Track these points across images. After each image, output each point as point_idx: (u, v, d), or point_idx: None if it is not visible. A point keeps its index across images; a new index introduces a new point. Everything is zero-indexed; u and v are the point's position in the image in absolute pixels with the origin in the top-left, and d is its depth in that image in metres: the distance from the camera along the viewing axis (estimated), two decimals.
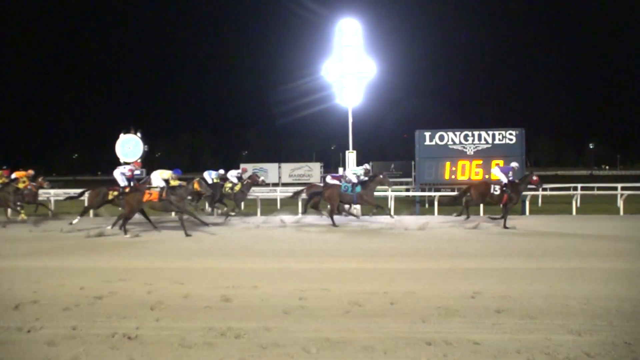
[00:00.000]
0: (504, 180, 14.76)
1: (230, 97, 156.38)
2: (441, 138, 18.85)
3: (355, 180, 15.43)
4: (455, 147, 18.74)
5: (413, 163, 19.32)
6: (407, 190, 24.00)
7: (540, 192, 20.69)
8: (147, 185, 15.14)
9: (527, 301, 6.08)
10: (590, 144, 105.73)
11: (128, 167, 15.51)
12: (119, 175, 15.18)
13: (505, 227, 13.74)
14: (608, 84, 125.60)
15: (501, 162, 18.19)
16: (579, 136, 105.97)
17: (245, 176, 18.12)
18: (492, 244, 10.88)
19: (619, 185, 19.96)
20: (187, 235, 12.56)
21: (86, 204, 15.94)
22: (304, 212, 16.92)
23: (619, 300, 6.08)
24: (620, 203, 18.32)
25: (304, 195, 17.31)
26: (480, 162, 18.40)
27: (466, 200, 15.10)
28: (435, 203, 18.09)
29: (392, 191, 19.76)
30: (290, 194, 18.46)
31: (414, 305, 5.98)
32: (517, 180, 14.89)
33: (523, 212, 17.99)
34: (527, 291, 6.56)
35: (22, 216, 15.57)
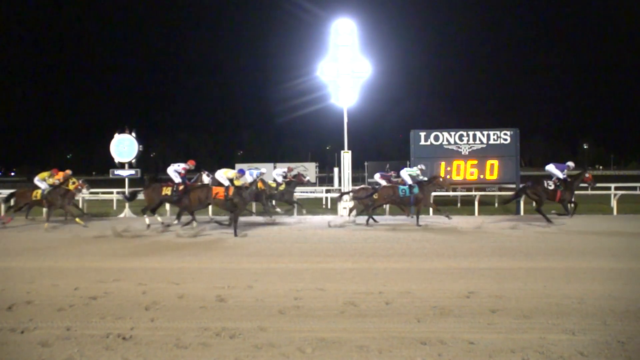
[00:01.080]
0: (560, 176, 14.84)
1: (226, 98, 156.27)
2: (436, 138, 18.86)
3: (410, 181, 15.27)
4: (450, 147, 18.75)
5: (408, 163, 19.28)
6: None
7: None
8: (199, 183, 15.16)
9: (522, 301, 6.10)
10: (584, 144, 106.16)
11: (182, 165, 15.39)
12: (173, 172, 15.11)
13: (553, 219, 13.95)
14: (602, 84, 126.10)
15: (496, 162, 18.27)
16: (573, 136, 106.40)
17: (289, 175, 18.05)
18: (487, 244, 10.89)
19: (613, 185, 20.05)
20: (235, 235, 12.59)
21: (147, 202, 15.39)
22: (369, 218, 15.67)
23: (612, 300, 6.11)
24: (613, 203, 18.39)
25: (347, 197, 17.13)
26: (475, 162, 18.42)
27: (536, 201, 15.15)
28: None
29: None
30: (337, 195, 17.98)
31: (409, 305, 5.99)
32: (569, 179, 15.09)
33: (517, 212, 18.02)
34: (522, 291, 6.59)
35: (77, 219, 15.26)
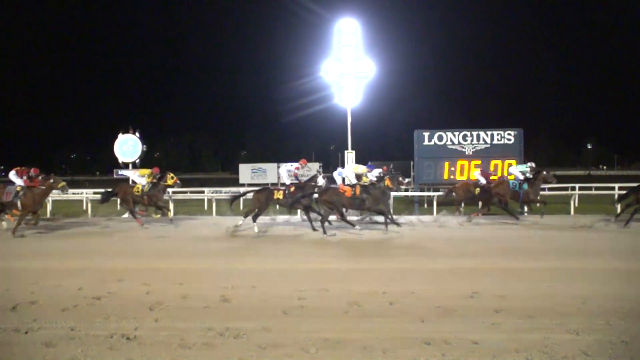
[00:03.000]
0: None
1: (230, 98, 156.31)
2: (440, 138, 18.85)
3: (521, 177, 15.37)
4: (453, 147, 18.74)
5: (412, 163, 19.30)
6: (406, 190, 23.99)
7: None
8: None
9: (526, 301, 6.08)
10: (588, 144, 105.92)
11: (295, 164, 15.29)
12: (285, 173, 15.07)
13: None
14: (606, 84, 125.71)
15: (499, 163, 18.24)
16: (577, 136, 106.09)
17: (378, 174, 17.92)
18: (490, 244, 10.87)
19: (617, 185, 19.96)
20: (355, 226, 12.66)
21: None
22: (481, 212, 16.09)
23: (616, 300, 6.09)
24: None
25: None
26: (479, 162, 18.40)
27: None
28: (434, 203, 18.07)
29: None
30: (442, 193, 17.85)
31: (413, 305, 5.99)
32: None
33: (521, 212, 17.97)
34: (526, 291, 6.57)
35: (170, 215, 15.24)
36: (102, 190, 17.57)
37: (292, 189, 14.18)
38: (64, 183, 14.10)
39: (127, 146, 20.40)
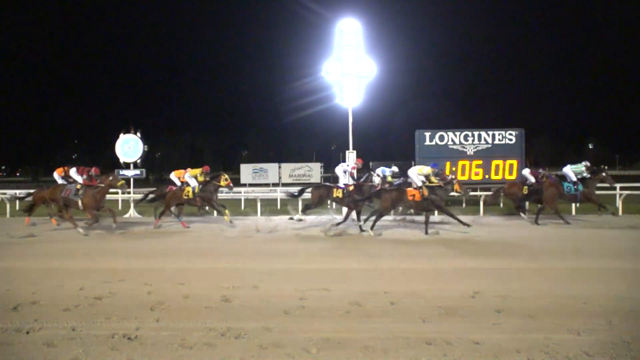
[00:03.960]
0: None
1: (231, 98, 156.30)
2: (441, 138, 18.86)
3: (575, 178, 15.26)
4: (455, 147, 18.75)
5: (413, 163, 19.28)
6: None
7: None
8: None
9: (527, 301, 6.08)
10: (590, 144, 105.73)
11: (352, 164, 15.21)
12: (341, 172, 14.99)
13: None
14: (607, 84, 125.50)
15: (500, 163, 18.23)
16: (578, 136, 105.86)
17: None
18: (491, 244, 10.87)
19: (618, 185, 19.94)
20: (427, 234, 12.54)
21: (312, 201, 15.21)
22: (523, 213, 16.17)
23: (618, 300, 6.09)
24: (619, 203, 18.32)
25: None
26: (481, 162, 18.41)
27: None
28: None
29: None
30: (491, 193, 17.79)
31: (414, 305, 5.98)
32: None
33: (523, 212, 17.95)
34: (527, 291, 6.57)
35: (227, 217, 15.10)
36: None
37: (351, 188, 14.26)
38: (123, 182, 14.27)
39: (129, 146, 20.42)
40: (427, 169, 13.53)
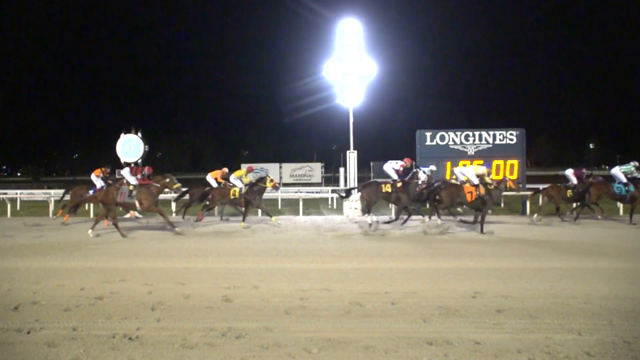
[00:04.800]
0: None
1: (231, 98, 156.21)
2: (442, 138, 18.85)
3: (624, 179, 15.12)
4: (456, 147, 18.75)
5: (414, 163, 19.28)
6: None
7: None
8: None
9: (528, 301, 6.08)
10: (591, 144, 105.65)
11: (400, 162, 15.19)
12: (391, 169, 15.00)
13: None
14: (608, 84, 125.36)
15: (501, 163, 18.22)
16: (579, 136, 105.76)
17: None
18: (492, 244, 10.87)
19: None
20: (482, 232, 12.57)
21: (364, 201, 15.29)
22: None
23: (618, 300, 6.09)
24: (619, 203, 18.30)
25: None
26: (481, 162, 18.37)
27: None
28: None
29: None
30: (531, 193, 17.78)
31: (415, 305, 5.98)
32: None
33: (524, 212, 17.97)
34: (528, 291, 6.57)
35: (273, 219, 15.14)
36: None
37: (399, 184, 14.35)
38: (179, 184, 14.21)
39: (129, 146, 20.45)
40: (482, 169, 13.79)
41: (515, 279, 7.32)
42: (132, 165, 14.22)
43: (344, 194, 16.07)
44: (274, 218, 14.95)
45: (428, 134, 18.91)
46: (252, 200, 15.12)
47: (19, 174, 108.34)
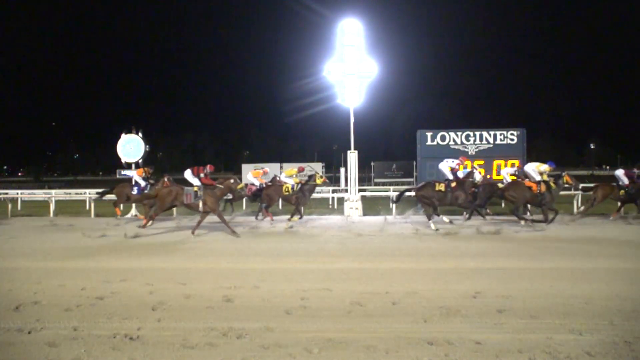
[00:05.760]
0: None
1: (232, 98, 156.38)
2: (443, 138, 18.84)
3: None
4: (456, 147, 18.72)
5: (415, 163, 19.30)
6: (409, 190, 23.98)
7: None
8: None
9: (529, 301, 6.07)
10: (591, 144, 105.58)
11: (457, 160, 15.07)
12: (446, 168, 14.81)
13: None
14: (609, 84, 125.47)
15: (502, 163, 18.20)
16: (580, 136, 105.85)
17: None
18: (493, 244, 10.86)
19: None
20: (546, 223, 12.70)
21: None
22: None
23: (619, 300, 6.09)
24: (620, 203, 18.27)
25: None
26: (482, 162, 18.37)
27: None
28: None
29: (393, 191, 19.78)
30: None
31: (416, 305, 5.98)
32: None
33: (524, 213, 17.93)
34: (529, 291, 6.57)
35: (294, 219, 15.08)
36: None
37: (454, 184, 14.21)
38: (242, 185, 14.18)
39: (130, 146, 20.40)
40: (544, 166, 13.71)
41: (516, 279, 7.32)
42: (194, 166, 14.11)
43: (394, 199, 16.07)
44: (295, 218, 15.03)
45: (429, 134, 18.89)
46: (303, 197, 15.23)
47: (19, 174, 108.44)
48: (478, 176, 14.53)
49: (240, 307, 5.98)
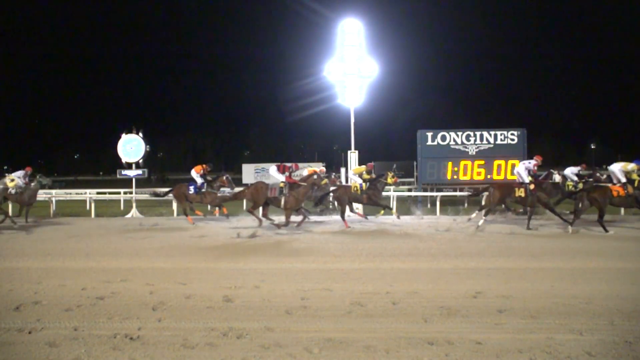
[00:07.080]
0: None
1: (232, 97, 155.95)
2: (443, 138, 18.86)
3: None
4: (457, 147, 18.75)
5: (415, 163, 19.30)
6: (409, 190, 23.99)
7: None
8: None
9: (529, 301, 6.07)
10: (592, 144, 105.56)
11: (533, 161, 14.63)
12: (524, 170, 14.46)
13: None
14: (609, 84, 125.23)
15: (503, 163, 18.20)
16: (580, 136, 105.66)
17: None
18: (493, 244, 10.86)
19: None
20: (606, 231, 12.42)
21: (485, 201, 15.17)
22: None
23: (619, 300, 6.09)
24: None
25: None
26: (483, 162, 18.41)
27: None
28: (437, 203, 18.04)
29: (394, 191, 19.77)
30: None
31: (416, 305, 5.98)
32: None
33: (524, 213, 17.91)
34: (529, 291, 6.57)
35: (394, 213, 15.22)
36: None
37: (532, 186, 13.94)
38: (326, 180, 14.40)
39: (131, 146, 20.39)
40: (631, 166, 13.33)
41: (516, 279, 7.32)
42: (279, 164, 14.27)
43: (475, 193, 16.07)
44: (382, 212, 15.38)
45: (429, 134, 18.91)
46: (373, 196, 15.22)
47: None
48: (557, 177, 14.33)
49: (241, 307, 5.98)
